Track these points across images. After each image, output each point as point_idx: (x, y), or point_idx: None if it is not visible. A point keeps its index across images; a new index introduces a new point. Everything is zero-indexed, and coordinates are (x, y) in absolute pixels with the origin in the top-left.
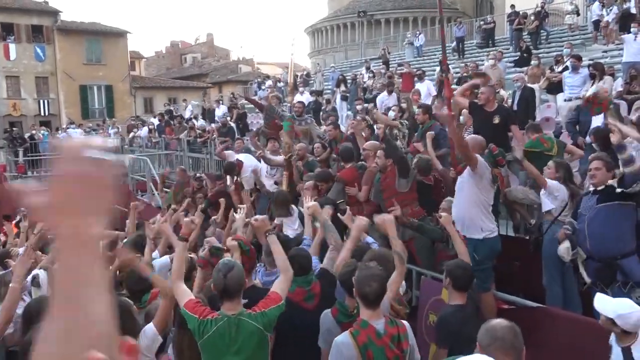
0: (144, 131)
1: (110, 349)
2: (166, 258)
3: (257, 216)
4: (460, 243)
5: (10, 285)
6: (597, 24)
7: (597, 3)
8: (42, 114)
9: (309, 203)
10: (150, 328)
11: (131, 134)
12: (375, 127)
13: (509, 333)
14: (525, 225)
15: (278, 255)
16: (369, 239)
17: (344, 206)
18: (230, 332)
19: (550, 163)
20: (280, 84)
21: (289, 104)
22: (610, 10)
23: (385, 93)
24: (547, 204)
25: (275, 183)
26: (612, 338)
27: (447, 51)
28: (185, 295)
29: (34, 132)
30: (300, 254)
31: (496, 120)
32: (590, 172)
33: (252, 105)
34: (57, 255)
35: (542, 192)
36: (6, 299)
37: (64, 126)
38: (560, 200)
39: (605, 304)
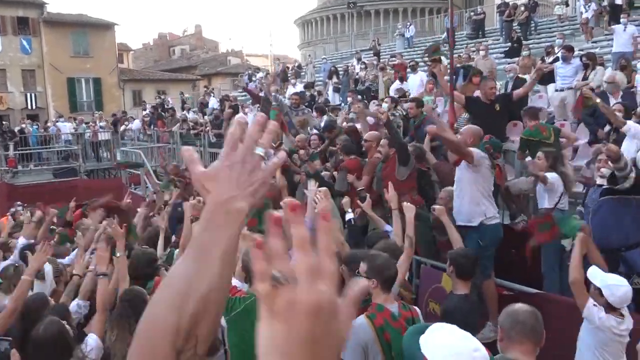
0: (135, 124)
1: (210, 315)
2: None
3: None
4: (454, 232)
5: (23, 277)
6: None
7: None
8: (29, 107)
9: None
10: None
11: (122, 127)
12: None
13: (530, 317)
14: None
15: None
16: (388, 228)
17: (364, 194)
18: (257, 311)
19: (540, 154)
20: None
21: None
22: (589, 6)
23: (397, 81)
24: (545, 201)
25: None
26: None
27: (438, 41)
28: None
29: (23, 125)
30: None
31: (497, 107)
32: (598, 165)
33: (246, 97)
34: (205, 216)
35: (542, 187)
36: (16, 290)
37: (53, 119)
38: (558, 192)
39: (596, 274)
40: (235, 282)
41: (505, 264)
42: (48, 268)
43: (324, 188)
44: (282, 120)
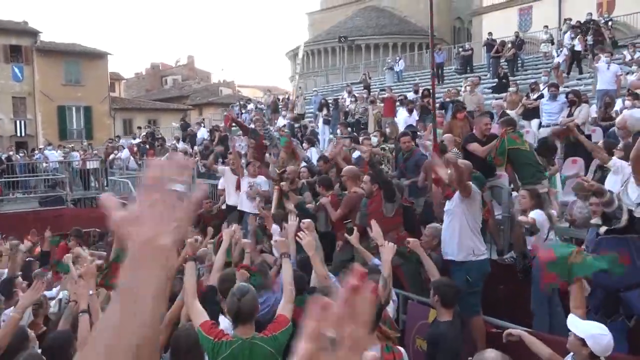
0: (124, 153)
1: (149, 355)
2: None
3: (278, 238)
4: (431, 266)
5: (11, 314)
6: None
7: (568, 33)
8: (19, 134)
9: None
10: None
11: (111, 156)
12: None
13: None
14: (508, 251)
15: (287, 277)
16: (376, 261)
17: (351, 226)
18: (244, 355)
19: (523, 192)
20: (263, 107)
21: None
22: (561, 51)
23: (406, 113)
24: (531, 241)
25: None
26: (569, 357)
27: (427, 76)
28: (201, 315)
29: (11, 153)
30: (295, 274)
31: None
32: (592, 208)
33: (235, 128)
34: (130, 258)
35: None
36: (3, 326)
37: (41, 147)
38: (545, 230)
39: (577, 323)
40: (224, 323)
41: (493, 300)
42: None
43: (308, 220)
44: (293, 147)
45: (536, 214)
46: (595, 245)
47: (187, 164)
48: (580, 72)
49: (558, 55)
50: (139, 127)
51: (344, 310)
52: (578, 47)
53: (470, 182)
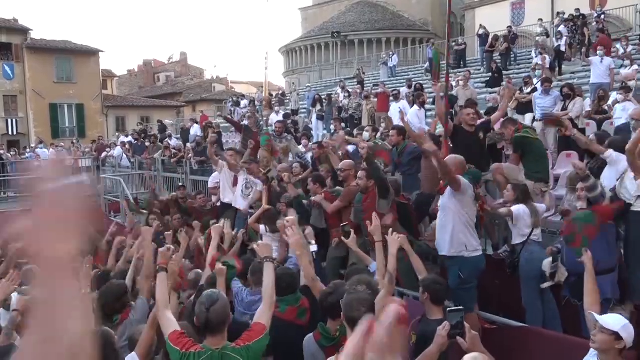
0: (117, 151)
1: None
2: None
3: (260, 241)
4: (418, 262)
5: None
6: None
7: (562, 26)
8: (10, 133)
9: (288, 217)
10: (133, 356)
11: (104, 154)
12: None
13: None
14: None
15: (269, 282)
16: (373, 267)
17: (348, 228)
18: None
19: (509, 186)
20: (257, 103)
21: (264, 121)
22: (538, 52)
23: (416, 106)
24: (516, 237)
25: (251, 208)
26: (591, 357)
27: (420, 72)
28: (171, 325)
29: (1, 152)
30: (287, 273)
31: (481, 135)
32: (577, 193)
33: (228, 125)
34: (36, 275)
35: (510, 224)
36: None
37: (33, 145)
38: (526, 225)
39: (607, 319)
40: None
41: (489, 295)
42: (16, 298)
43: (291, 218)
44: (273, 145)
45: (516, 208)
46: None
47: (59, 159)
48: (560, 74)
49: (536, 56)
50: (140, 123)
51: (387, 339)
52: (563, 48)
53: (460, 176)
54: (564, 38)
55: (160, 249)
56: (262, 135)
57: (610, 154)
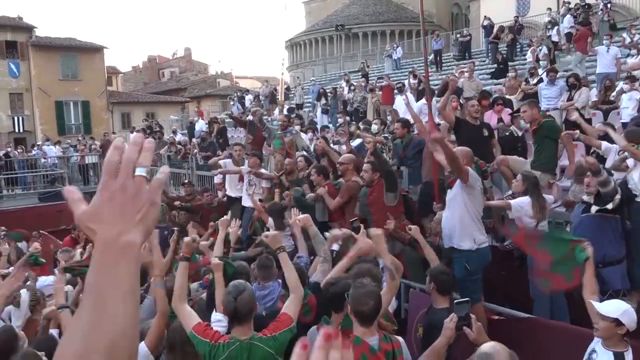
0: None
1: (128, 354)
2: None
3: (268, 232)
4: (431, 252)
5: None
6: (569, 36)
7: (568, 16)
8: (17, 130)
9: (300, 215)
10: (142, 347)
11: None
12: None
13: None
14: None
15: (290, 273)
16: (335, 247)
17: (357, 224)
18: (242, 357)
19: (518, 176)
20: (261, 98)
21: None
22: (540, 49)
23: (423, 100)
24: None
25: (260, 200)
26: (596, 344)
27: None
28: (192, 318)
29: (9, 149)
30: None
31: (485, 133)
32: (587, 187)
33: (229, 120)
34: (95, 258)
35: (510, 215)
36: None
37: (39, 143)
38: (527, 215)
39: (606, 307)
40: (216, 319)
41: (495, 287)
42: (25, 295)
43: (304, 216)
44: (288, 149)
45: (515, 202)
46: (578, 222)
47: (148, 146)
48: (554, 63)
49: (540, 52)
50: (145, 119)
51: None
52: (555, 38)
53: (468, 168)
54: (556, 28)
55: (186, 238)
56: (275, 139)
57: (605, 146)
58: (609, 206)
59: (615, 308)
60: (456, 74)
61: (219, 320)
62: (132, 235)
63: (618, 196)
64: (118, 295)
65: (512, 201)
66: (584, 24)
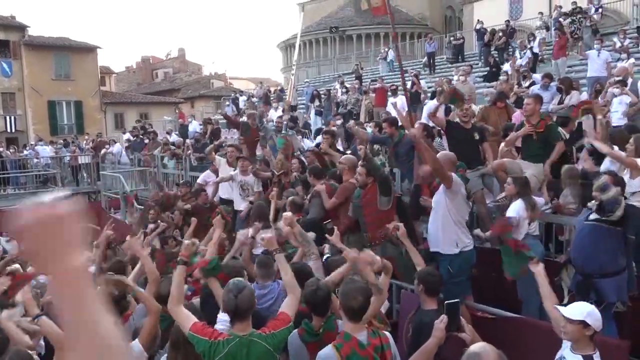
0: (116, 147)
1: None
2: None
3: (264, 235)
4: (416, 254)
5: None
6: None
7: (561, 19)
8: (9, 130)
9: (286, 214)
10: (136, 345)
11: (103, 151)
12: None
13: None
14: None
15: (286, 273)
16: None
17: (330, 226)
18: (242, 353)
19: (509, 179)
20: (254, 99)
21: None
22: (524, 53)
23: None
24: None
25: (251, 202)
26: (564, 349)
27: (419, 66)
28: (189, 319)
29: (1, 149)
30: (294, 268)
31: (476, 136)
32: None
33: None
34: (55, 293)
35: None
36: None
37: (32, 143)
38: (521, 219)
39: (569, 310)
40: (223, 319)
41: (485, 287)
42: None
43: (287, 214)
44: (288, 150)
45: (515, 210)
46: (579, 229)
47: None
48: (533, 70)
49: (521, 57)
50: (138, 120)
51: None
52: (536, 49)
53: (451, 173)
54: (537, 39)
55: (186, 241)
56: (278, 138)
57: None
58: (613, 218)
59: (579, 311)
60: (455, 76)
61: (225, 320)
62: (73, 260)
63: (620, 212)
64: (95, 316)
65: (510, 215)
66: (560, 34)
